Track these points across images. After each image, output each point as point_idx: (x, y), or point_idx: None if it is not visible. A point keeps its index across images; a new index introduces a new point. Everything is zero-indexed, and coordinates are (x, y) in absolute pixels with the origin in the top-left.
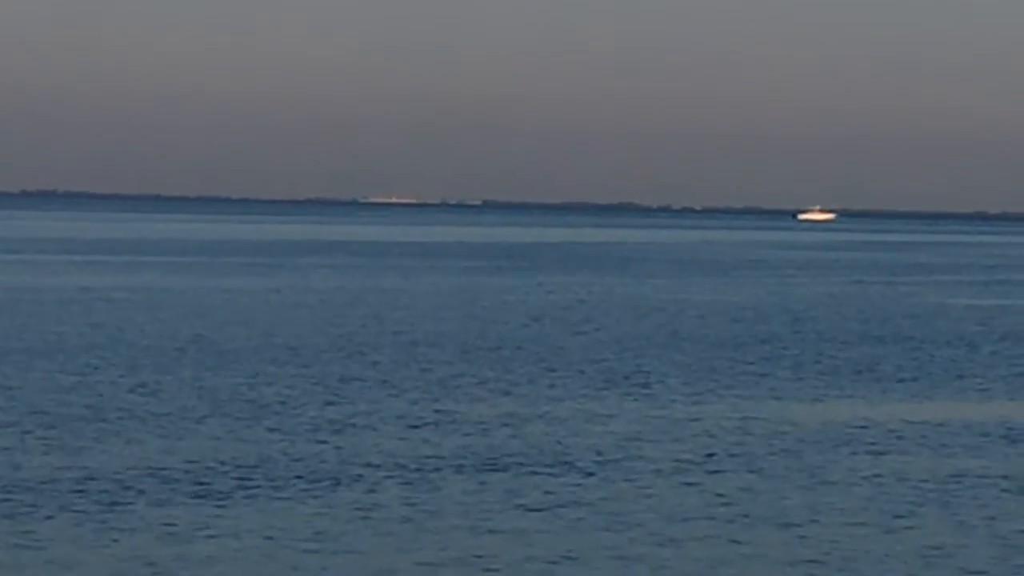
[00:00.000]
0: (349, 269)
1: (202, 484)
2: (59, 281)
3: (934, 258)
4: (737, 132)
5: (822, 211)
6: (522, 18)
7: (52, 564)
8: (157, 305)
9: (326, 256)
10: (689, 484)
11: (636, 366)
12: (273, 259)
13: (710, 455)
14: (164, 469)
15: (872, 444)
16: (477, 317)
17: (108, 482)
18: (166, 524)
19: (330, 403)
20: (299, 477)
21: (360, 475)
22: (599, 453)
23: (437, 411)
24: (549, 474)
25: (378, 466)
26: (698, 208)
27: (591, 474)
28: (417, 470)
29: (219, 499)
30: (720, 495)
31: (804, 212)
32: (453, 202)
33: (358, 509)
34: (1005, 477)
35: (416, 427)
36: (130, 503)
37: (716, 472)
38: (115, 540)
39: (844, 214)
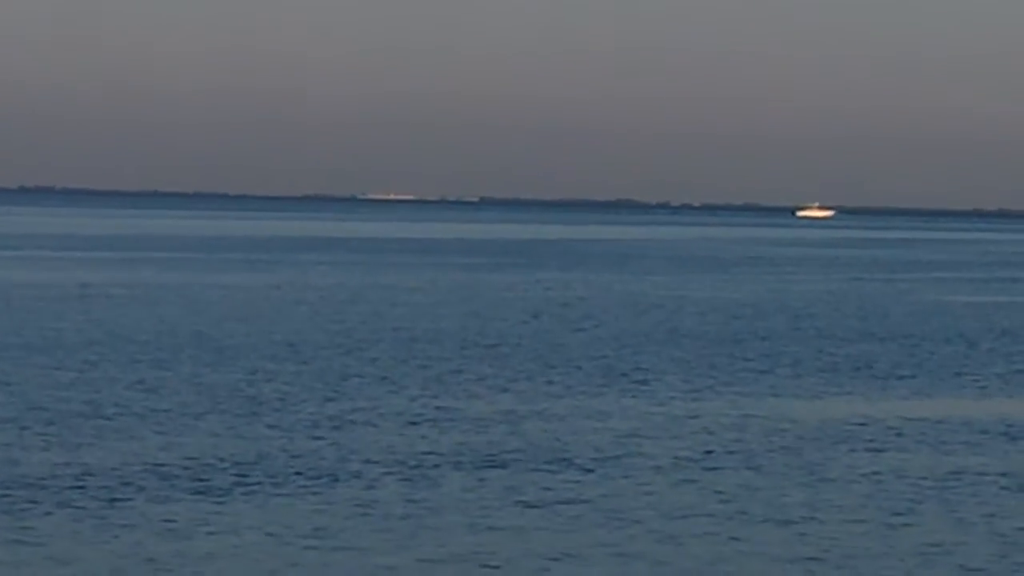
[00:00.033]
0: (348, 266)
1: (201, 480)
2: (57, 277)
3: (932, 255)
4: (736, 130)
5: (821, 208)
6: (520, 17)
7: (51, 560)
8: (156, 301)
9: (325, 253)
10: (688, 481)
11: (635, 363)
12: (272, 255)
13: (709, 452)
14: (163, 465)
15: (871, 441)
16: (476, 314)
17: (107, 478)
18: (165, 520)
19: (329, 399)
20: (298, 473)
21: (359, 471)
22: (598, 450)
23: (436, 408)
24: (548, 471)
25: (377, 462)
26: (697, 205)
27: (590, 471)
28: (416, 466)
29: (218, 495)
30: (719, 492)
31: (803, 209)
32: (451, 199)
33: (357, 505)
34: (1004, 474)
35: (415, 423)
36: (129, 499)
37: (715, 469)
38: (114, 536)
39: (843, 211)
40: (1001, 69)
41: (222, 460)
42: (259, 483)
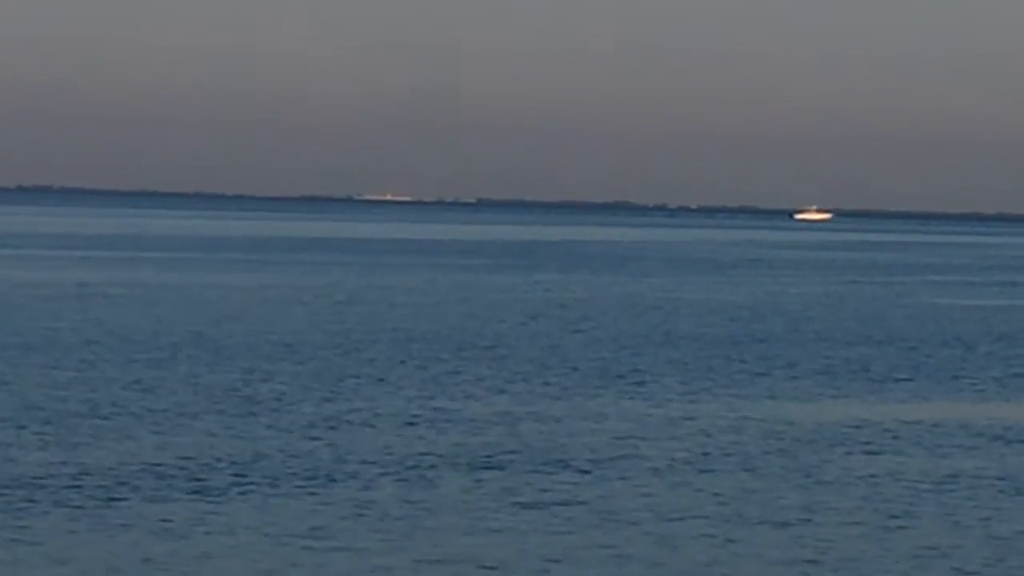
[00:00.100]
0: (345, 266)
1: (198, 480)
2: (55, 276)
3: (930, 258)
4: (733, 132)
5: (818, 211)
6: (517, 18)
7: (48, 559)
8: (153, 301)
9: (322, 253)
10: (684, 483)
11: (632, 365)
12: (269, 256)
13: (706, 454)
14: (160, 465)
15: (867, 444)
16: (473, 315)
17: (104, 478)
18: (162, 520)
19: (326, 400)
20: (295, 474)
21: (356, 472)
22: (594, 451)
23: (433, 408)
24: (545, 472)
25: (374, 463)
26: (694, 207)
27: (587, 472)
28: (413, 467)
29: (215, 495)
30: (715, 494)
31: (800, 212)
32: (449, 200)
33: (354, 506)
34: (1000, 477)
35: (412, 424)
36: (126, 499)
37: (711, 471)
38: (111, 536)
39: (840, 214)
40: (1000, 70)
41: (219, 460)
42: (256, 483)
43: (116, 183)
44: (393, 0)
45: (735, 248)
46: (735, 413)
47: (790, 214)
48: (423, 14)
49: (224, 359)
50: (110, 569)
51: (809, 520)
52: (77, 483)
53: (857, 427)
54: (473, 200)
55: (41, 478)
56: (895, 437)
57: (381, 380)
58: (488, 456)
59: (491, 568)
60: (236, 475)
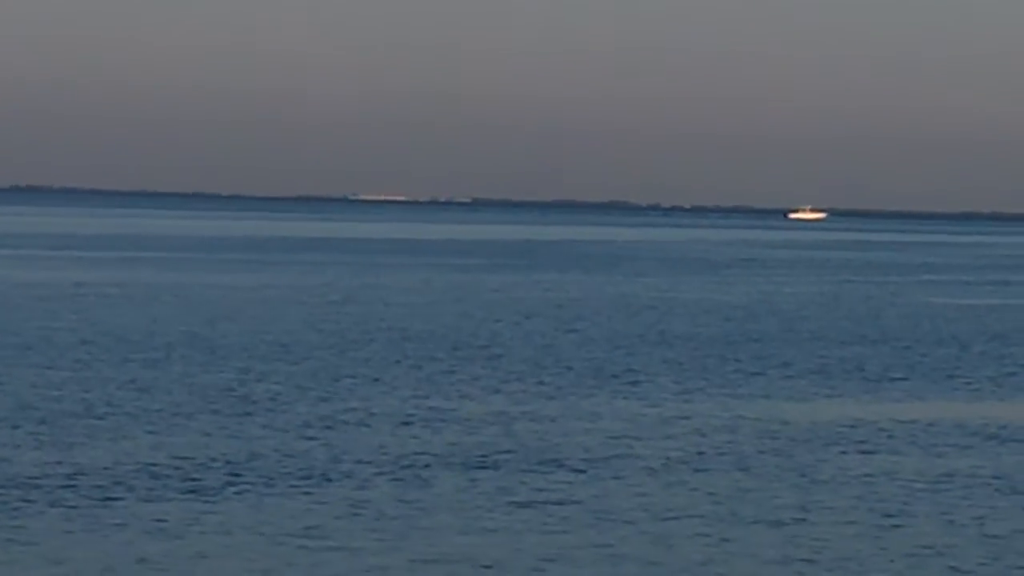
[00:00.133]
0: (340, 266)
1: (193, 480)
2: (51, 276)
3: (924, 258)
4: (727, 131)
5: (813, 210)
6: (513, 18)
7: (43, 559)
8: (149, 301)
9: (317, 253)
10: (679, 482)
11: (626, 364)
12: (264, 256)
13: (700, 453)
14: (155, 465)
15: (862, 443)
16: (468, 315)
17: (99, 477)
18: (157, 520)
19: (321, 399)
20: (290, 473)
21: (351, 471)
22: (589, 451)
23: (428, 408)
24: (539, 472)
25: (369, 463)
26: (687, 207)
27: (581, 472)
28: (408, 467)
29: (210, 495)
30: (710, 493)
31: (795, 211)
32: (443, 200)
33: (349, 505)
34: (995, 476)
35: (407, 424)
36: (121, 498)
37: (706, 470)
38: (106, 536)
39: (835, 213)
40: (996, 70)
41: (214, 460)
42: (251, 483)
43: (113, 183)
44: (393, 0)
45: (729, 248)
46: (730, 412)
47: (784, 213)
48: (415, 14)
49: (219, 359)
50: (105, 569)
51: (804, 519)
52: (72, 483)
53: (852, 426)
54: (468, 200)
55: (36, 478)
56: (890, 436)
57: (376, 380)
58: (483, 455)
59: (486, 567)
60: (231, 475)
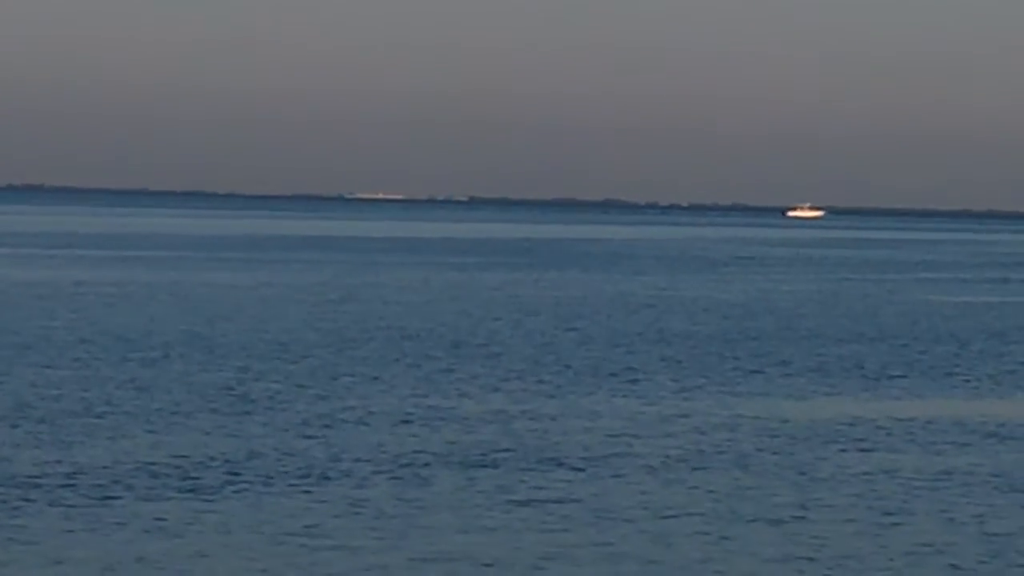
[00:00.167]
0: (338, 265)
1: (192, 479)
2: (47, 276)
3: (923, 255)
4: (725, 130)
5: (811, 208)
6: (509, 18)
7: (42, 558)
8: (147, 300)
9: (315, 252)
10: (678, 480)
11: (625, 363)
12: (262, 254)
13: (699, 452)
14: (154, 464)
15: (861, 441)
16: (466, 313)
17: (98, 476)
18: (156, 518)
19: (320, 398)
20: (289, 472)
21: (350, 470)
22: (588, 449)
23: (427, 407)
24: (538, 470)
25: (368, 461)
26: (685, 205)
27: (580, 470)
28: (407, 465)
29: (209, 494)
30: (709, 491)
31: (793, 209)
32: (440, 198)
33: (348, 504)
34: (994, 474)
35: (406, 422)
36: (120, 497)
37: (705, 469)
38: (105, 535)
39: (833, 211)
40: (994, 69)
41: (213, 459)
42: (250, 482)
43: (108, 182)
44: (393, 0)
45: (727, 246)
46: (728, 411)
47: (782, 211)
48: (412, 14)
49: (218, 358)
50: (105, 568)
51: (803, 517)
52: (71, 482)
53: (851, 424)
54: (465, 198)
55: (35, 477)
56: (889, 434)
57: (375, 378)
58: (482, 454)
59: (486, 566)
60: (230, 473)
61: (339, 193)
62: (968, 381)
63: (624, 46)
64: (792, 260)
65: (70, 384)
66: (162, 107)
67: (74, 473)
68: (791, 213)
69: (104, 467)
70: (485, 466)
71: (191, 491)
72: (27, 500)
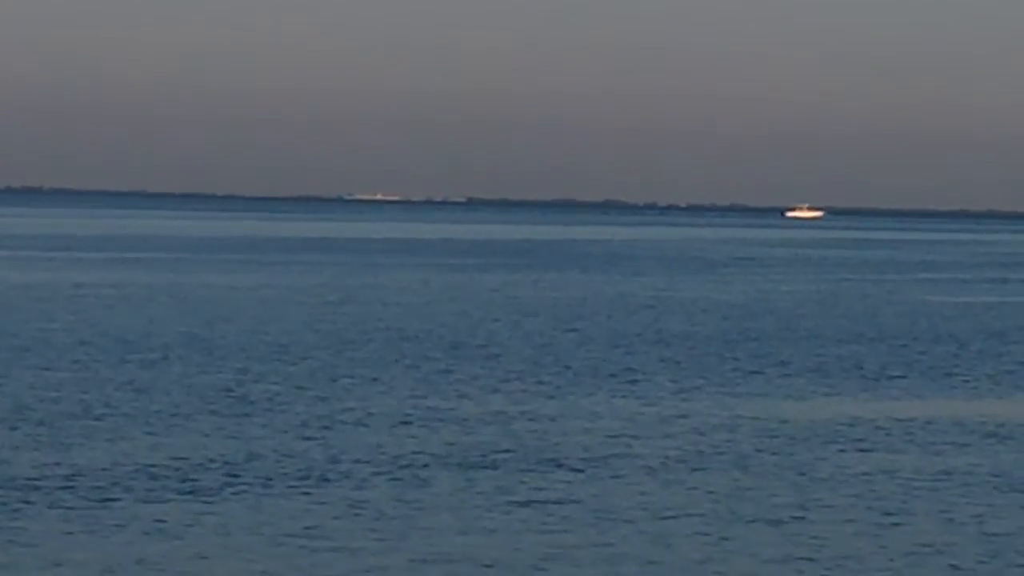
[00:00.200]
0: (337, 266)
1: (191, 480)
2: (46, 278)
3: (922, 256)
4: (723, 130)
5: (810, 208)
6: (511, 17)
7: (42, 560)
8: (146, 302)
9: (314, 253)
10: (678, 481)
11: (625, 363)
12: (261, 256)
13: (699, 452)
14: (153, 465)
15: (860, 441)
16: (465, 314)
17: (97, 478)
18: (156, 520)
19: (319, 399)
20: (288, 474)
21: (349, 472)
22: (588, 450)
23: (426, 408)
24: (538, 471)
25: (367, 463)
26: (683, 205)
27: (580, 471)
28: (406, 467)
29: (208, 496)
30: (709, 492)
31: (792, 210)
32: (438, 199)
33: (347, 506)
34: (993, 474)
35: (405, 424)
36: (119, 499)
37: (704, 469)
38: (105, 537)
39: (832, 211)
40: (993, 69)
41: (212, 460)
42: (249, 483)
43: (105, 184)
44: (393, 0)
45: (726, 246)
46: (728, 411)
47: (781, 212)
48: (409, 14)
49: (217, 359)
50: (104, 570)
51: (803, 518)
52: (71, 484)
53: (850, 425)
54: (463, 199)
55: (35, 479)
56: (888, 434)
57: (374, 380)
58: (481, 455)
59: (486, 567)
60: (230, 475)
61: (338, 194)
62: (967, 381)
63: (624, 46)
64: (791, 261)
65: (69, 386)
66: (162, 107)
67: (73, 475)
68: (790, 214)
69: (103, 469)
70: (484, 467)
71: (190, 493)
72: (27, 502)
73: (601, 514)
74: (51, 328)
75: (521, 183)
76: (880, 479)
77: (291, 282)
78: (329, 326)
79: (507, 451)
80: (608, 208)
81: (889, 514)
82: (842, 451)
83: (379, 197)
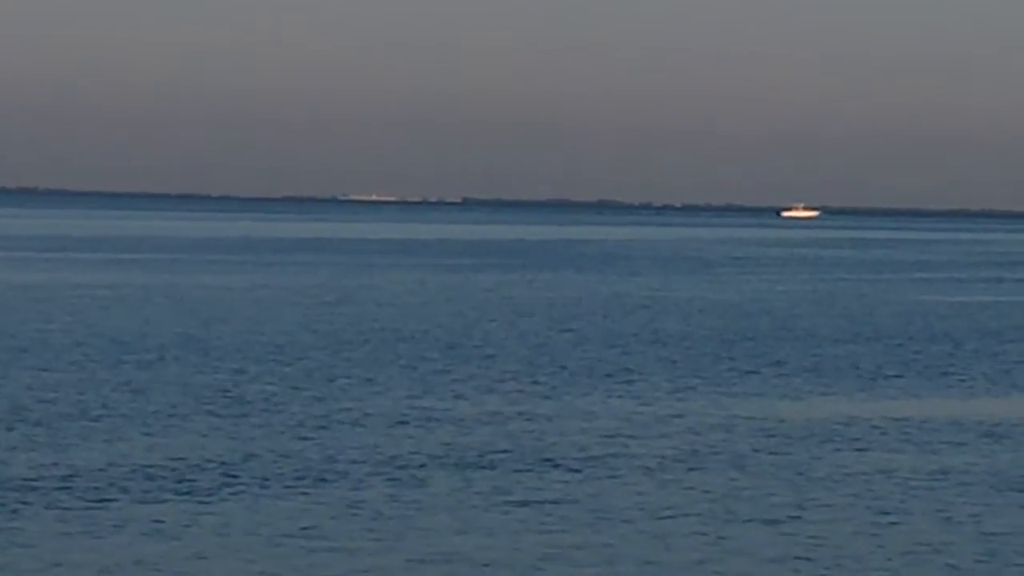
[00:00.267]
0: (333, 267)
1: (188, 481)
2: (43, 279)
3: (918, 255)
4: (719, 130)
5: (806, 208)
6: (510, 16)
7: (39, 561)
8: (142, 302)
9: (310, 254)
10: (675, 481)
11: (621, 363)
12: (256, 256)
13: (695, 452)
14: (150, 466)
15: (857, 441)
16: (461, 314)
17: (94, 479)
18: (153, 521)
19: (316, 400)
20: (285, 474)
21: (346, 472)
22: (584, 450)
23: (422, 408)
24: (535, 471)
25: (364, 463)
26: (678, 205)
27: (577, 471)
28: (403, 467)
29: (205, 496)
30: (706, 492)
31: (788, 209)
32: (434, 200)
33: (345, 506)
34: (990, 473)
35: (402, 424)
36: (116, 500)
37: (701, 469)
38: (101, 537)
39: (827, 211)
40: (992, 69)
41: (209, 461)
42: (247, 484)
43: (101, 185)
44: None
45: (722, 246)
46: (724, 411)
47: (777, 211)
48: (407, 13)
49: (213, 360)
50: (102, 570)
51: (800, 517)
52: (68, 485)
53: (847, 424)
54: (458, 200)
55: (32, 480)
56: (884, 434)
57: (370, 380)
58: (478, 455)
59: (483, 567)
60: (227, 476)
61: (333, 195)
62: (963, 380)
63: (624, 46)
64: (787, 260)
65: (66, 387)
66: (158, 108)
67: (70, 476)
68: (786, 213)
69: (100, 470)
70: (481, 467)
71: (188, 493)
72: (24, 503)
73: (598, 514)
74: (48, 329)
75: (515, 183)
76: (877, 478)
77: (287, 283)
78: (325, 326)
79: (504, 451)
80: (603, 208)
81: (886, 513)
82: (839, 450)
83: (374, 198)
